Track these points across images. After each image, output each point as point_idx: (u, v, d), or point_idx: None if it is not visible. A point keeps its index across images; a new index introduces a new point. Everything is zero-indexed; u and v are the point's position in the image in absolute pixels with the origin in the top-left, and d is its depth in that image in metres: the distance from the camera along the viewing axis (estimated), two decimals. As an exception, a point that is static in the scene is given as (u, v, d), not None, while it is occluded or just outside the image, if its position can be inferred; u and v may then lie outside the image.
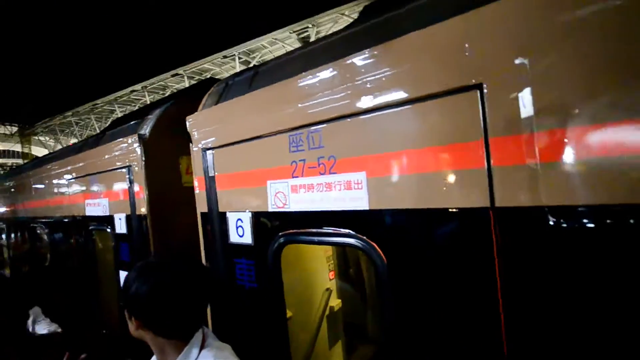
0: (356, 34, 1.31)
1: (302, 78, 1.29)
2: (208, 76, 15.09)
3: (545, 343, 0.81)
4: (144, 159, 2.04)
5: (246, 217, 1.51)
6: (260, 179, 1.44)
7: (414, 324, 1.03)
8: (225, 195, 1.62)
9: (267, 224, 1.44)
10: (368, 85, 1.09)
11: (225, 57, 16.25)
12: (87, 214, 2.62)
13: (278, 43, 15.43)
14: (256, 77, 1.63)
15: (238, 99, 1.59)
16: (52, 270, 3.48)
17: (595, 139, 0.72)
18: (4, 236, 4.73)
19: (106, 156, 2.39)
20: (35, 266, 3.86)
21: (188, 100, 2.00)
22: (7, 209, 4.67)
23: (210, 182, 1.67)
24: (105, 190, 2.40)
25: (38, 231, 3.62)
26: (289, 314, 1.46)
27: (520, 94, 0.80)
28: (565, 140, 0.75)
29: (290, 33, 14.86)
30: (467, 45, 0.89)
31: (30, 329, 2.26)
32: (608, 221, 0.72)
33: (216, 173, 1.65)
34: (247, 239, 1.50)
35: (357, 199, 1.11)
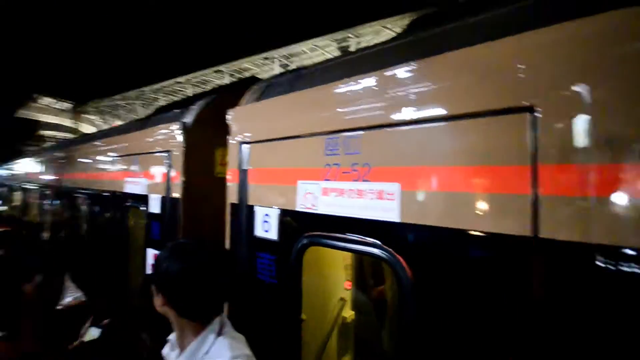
0: (402, 46, 1.31)
1: (344, 84, 1.31)
2: (247, 75, 15.64)
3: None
4: (184, 145, 2.14)
5: (273, 213, 1.54)
6: (291, 177, 1.47)
7: (432, 348, 1.00)
8: (255, 190, 1.67)
9: (293, 222, 1.46)
10: (411, 97, 1.08)
11: (266, 58, 16.77)
12: (125, 190, 2.79)
13: (318, 50, 15.71)
14: (299, 79, 1.67)
15: (279, 98, 1.64)
16: (85, 240, 3.72)
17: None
18: (48, 202, 5.12)
19: (149, 139, 2.54)
20: (71, 233, 4.15)
21: (229, 96, 2.08)
22: (54, 177, 5.07)
23: (243, 175, 1.72)
24: (144, 171, 2.55)
25: (78, 201, 3.90)
26: (302, 316, 1.46)
27: (578, 122, 0.77)
28: (623, 176, 0.71)
29: (330, 41, 15.09)
30: (520, 66, 0.87)
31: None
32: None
33: (249, 167, 1.70)
34: (272, 234, 1.53)
35: (388, 210, 1.10)
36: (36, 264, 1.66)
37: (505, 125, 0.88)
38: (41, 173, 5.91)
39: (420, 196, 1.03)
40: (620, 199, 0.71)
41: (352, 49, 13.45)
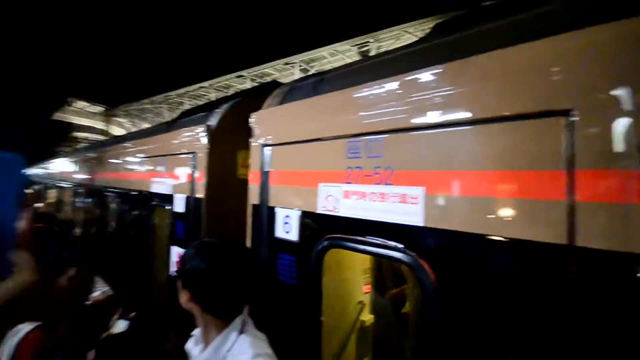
0: (428, 49, 1.30)
1: (367, 87, 1.31)
2: (268, 80, 15.93)
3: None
4: (208, 147, 2.21)
5: (294, 215, 1.55)
6: (312, 180, 1.48)
7: (454, 355, 0.97)
8: (276, 191, 1.70)
9: (314, 224, 1.47)
10: (436, 101, 1.07)
11: (287, 63, 17.02)
12: (151, 190, 2.90)
13: (338, 54, 15.78)
14: (321, 83, 1.69)
15: (301, 102, 1.67)
16: (114, 236, 3.90)
17: None
18: (80, 200, 5.42)
19: (175, 141, 2.64)
20: (101, 230, 4.36)
21: (252, 100, 2.13)
22: (86, 177, 5.35)
23: (264, 176, 1.76)
24: (170, 171, 2.65)
25: (109, 200, 4.09)
26: (322, 318, 1.46)
27: (618, 126, 0.73)
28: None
29: (351, 46, 15.12)
30: (556, 68, 0.84)
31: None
32: None
33: (271, 169, 1.73)
34: (293, 236, 1.55)
35: (411, 214, 1.09)
36: (68, 258, 1.75)
37: (539, 129, 0.85)
38: (74, 173, 6.25)
39: (446, 200, 1.01)
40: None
41: (372, 53, 13.42)
